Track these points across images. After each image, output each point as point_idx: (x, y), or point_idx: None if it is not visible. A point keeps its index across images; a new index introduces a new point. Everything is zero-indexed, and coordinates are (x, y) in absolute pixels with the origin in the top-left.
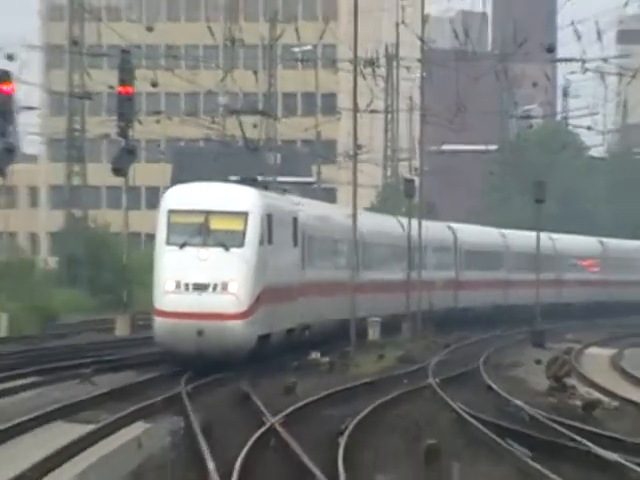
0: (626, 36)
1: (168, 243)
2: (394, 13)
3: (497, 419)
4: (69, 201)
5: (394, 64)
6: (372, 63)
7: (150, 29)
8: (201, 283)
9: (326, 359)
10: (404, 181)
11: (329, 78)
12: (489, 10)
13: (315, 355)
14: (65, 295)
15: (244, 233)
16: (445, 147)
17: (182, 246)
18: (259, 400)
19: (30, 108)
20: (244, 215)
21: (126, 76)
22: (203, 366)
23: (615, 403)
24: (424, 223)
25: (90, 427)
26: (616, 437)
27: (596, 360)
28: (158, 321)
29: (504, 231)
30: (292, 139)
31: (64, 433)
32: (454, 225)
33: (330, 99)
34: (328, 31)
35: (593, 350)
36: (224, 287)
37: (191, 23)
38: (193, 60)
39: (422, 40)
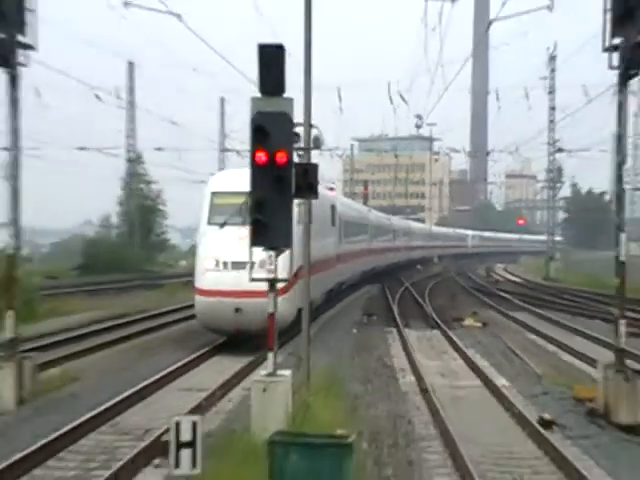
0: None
1: (209, 223)
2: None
3: (472, 287)
4: None
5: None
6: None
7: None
8: (239, 262)
9: (421, 267)
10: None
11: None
12: None
13: (419, 267)
14: None
15: None
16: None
17: (222, 226)
18: (404, 279)
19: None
20: None
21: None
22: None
23: (503, 280)
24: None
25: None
26: (505, 289)
27: (499, 268)
28: (198, 299)
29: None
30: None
31: None
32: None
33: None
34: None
35: (499, 265)
36: (261, 265)
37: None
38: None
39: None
